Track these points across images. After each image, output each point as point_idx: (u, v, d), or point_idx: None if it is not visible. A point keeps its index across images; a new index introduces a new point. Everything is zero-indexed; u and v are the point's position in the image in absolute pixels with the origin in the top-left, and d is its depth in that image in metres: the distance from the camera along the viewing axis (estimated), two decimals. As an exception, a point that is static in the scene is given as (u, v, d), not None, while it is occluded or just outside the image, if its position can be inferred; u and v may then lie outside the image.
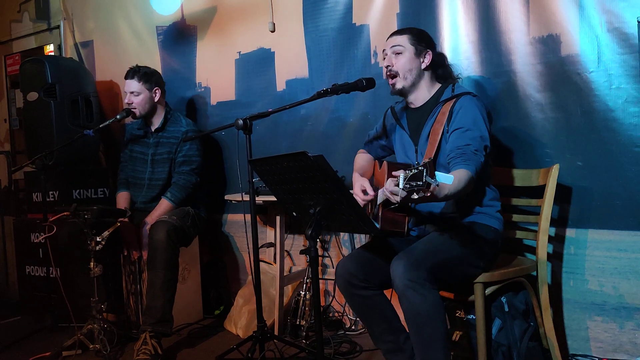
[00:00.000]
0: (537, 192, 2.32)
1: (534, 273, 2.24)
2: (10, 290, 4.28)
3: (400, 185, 1.58)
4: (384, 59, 2.25)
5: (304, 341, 2.80)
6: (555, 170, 2.23)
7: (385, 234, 2.18)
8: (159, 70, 3.66)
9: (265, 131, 3.30)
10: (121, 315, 3.18)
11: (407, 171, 1.57)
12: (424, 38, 2.23)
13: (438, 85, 2.26)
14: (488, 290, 2.10)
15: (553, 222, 2.31)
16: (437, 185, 1.50)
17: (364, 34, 2.95)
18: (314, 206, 1.77)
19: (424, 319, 1.84)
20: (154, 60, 3.72)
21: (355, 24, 2.98)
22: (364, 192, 2.18)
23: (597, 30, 2.29)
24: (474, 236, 2.07)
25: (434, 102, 2.20)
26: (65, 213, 2.77)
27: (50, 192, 3.42)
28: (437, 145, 2.09)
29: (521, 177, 2.42)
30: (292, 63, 3.20)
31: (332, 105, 3.08)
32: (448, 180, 1.56)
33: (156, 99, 3.16)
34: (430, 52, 2.21)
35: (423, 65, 2.21)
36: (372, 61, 2.93)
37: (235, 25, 3.40)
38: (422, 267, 1.85)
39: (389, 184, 1.70)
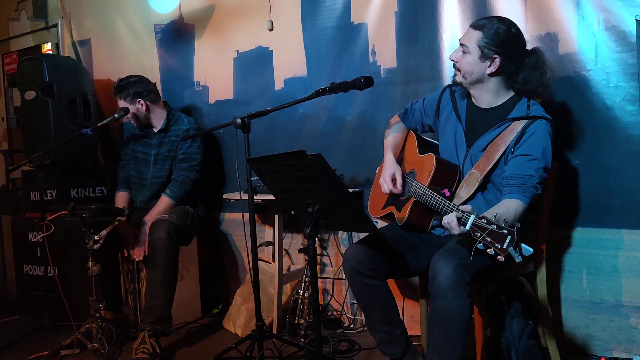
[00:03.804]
0: (535, 190, 2.32)
1: (533, 271, 2.24)
2: (8, 289, 4.27)
3: (467, 227, 1.59)
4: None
5: (302, 340, 2.79)
6: (554, 169, 2.23)
7: (408, 227, 2.17)
8: (157, 69, 3.68)
9: (263, 130, 3.30)
10: (119, 314, 3.18)
11: (481, 219, 1.57)
12: (497, 40, 1.97)
13: (509, 94, 2.07)
14: (487, 289, 2.10)
15: (551, 221, 2.31)
16: (520, 261, 1.49)
17: (362, 33, 2.95)
18: (312, 205, 1.77)
19: (455, 323, 1.82)
20: (151, 59, 3.72)
21: (353, 22, 2.98)
22: (394, 182, 2.16)
23: (595, 29, 2.29)
24: None
25: (503, 114, 2.05)
26: (63, 212, 2.76)
27: (48, 191, 3.41)
28: (494, 162, 1.99)
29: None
30: (290, 62, 3.20)
31: (330, 104, 3.08)
32: (527, 253, 1.53)
33: (143, 110, 3.15)
34: (498, 59, 1.97)
35: (488, 71, 2.01)
36: (370, 59, 2.93)
37: (233, 24, 3.40)
38: (468, 271, 1.82)
39: (454, 220, 1.69)
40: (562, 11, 2.36)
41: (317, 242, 3.15)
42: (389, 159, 2.27)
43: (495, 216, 1.59)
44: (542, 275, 2.23)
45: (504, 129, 2.01)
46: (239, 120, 2.31)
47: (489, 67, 2.00)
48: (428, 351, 1.91)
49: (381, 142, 2.61)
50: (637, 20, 2.18)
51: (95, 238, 2.66)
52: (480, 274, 1.93)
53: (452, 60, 2.09)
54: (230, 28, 3.41)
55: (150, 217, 2.99)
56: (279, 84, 3.27)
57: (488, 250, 1.53)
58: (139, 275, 3.05)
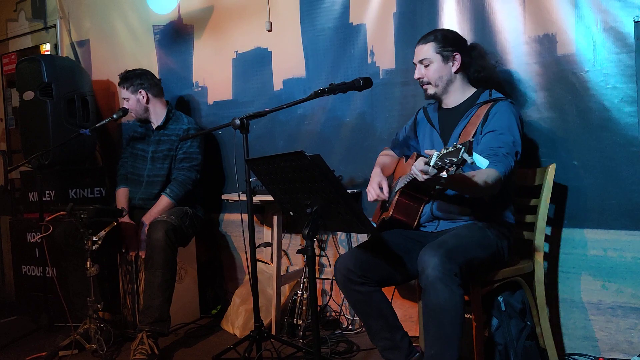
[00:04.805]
0: (533, 191, 2.33)
1: (531, 272, 2.24)
2: (7, 290, 4.27)
3: (432, 163, 1.60)
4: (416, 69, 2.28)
5: (301, 341, 2.79)
6: (551, 170, 2.24)
7: (394, 222, 2.18)
8: (156, 69, 3.67)
9: (262, 131, 3.30)
10: (117, 314, 3.18)
11: (442, 149, 1.60)
12: (448, 41, 2.22)
13: (473, 89, 2.27)
14: (485, 290, 2.10)
15: (549, 222, 2.31)
16: (472, 162, 1.51)
17: (361, 34, 2.95)
18: (311, 206, 1.77)
19: (446, 315, 1.82)
20: (150, 60, 3.72)
21: (352, 23, 2.98)
22: (381, 189, 2.21)
23: (593, 30, 2.30)
24: (495, 241, 2.08)
25: (469, 104, 2.22)
26: (61, 212, 2.76)
27: (47, 192, 3.41)
28: None
29: (517, 176, 2.42)
30: (289, 62, 3.20)
31: (329, 105, 3.08)
32: (483, 163, 1.56)
33: (144, 101, 3.16)
34: (458, 55, 2.20)
35: (454, 69, 2.22)
36: (369, 60, 2.93)
37: (232, 25, 3.40)
38: (455, 262, 1.85)
39: (419, 161, 1.70)
40: (560, 12, 2.37)
41: (316, 243, 3.16)
42: (376, 172, 2.36)
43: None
44: (540, 275, 2.23)
45: (473, 115, 2.15)
46: (237, 121, 2.31)
47: (452, 66, 2.21)
48: (425, 347, 1.91)
49: (380, 143, 2.63)
50: (635, 21, 2.18)
51: (94, 239, 2.66)
52: (472, 266, 1.95)
53: (418, 79, 2.26)
54: (229, 29, 3.41)
55: (149, 217, 2.99)
56: (277, 85, 3.27)
57: (448, 171, 1.55)
58: (138, 276, 3.05)
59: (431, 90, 2.25)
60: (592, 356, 2.37)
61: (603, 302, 2.35)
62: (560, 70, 2.39)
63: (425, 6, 2.74)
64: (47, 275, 3.14)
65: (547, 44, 2.41)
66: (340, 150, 3.06)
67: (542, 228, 2.24)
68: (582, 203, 2.38)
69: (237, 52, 3.40)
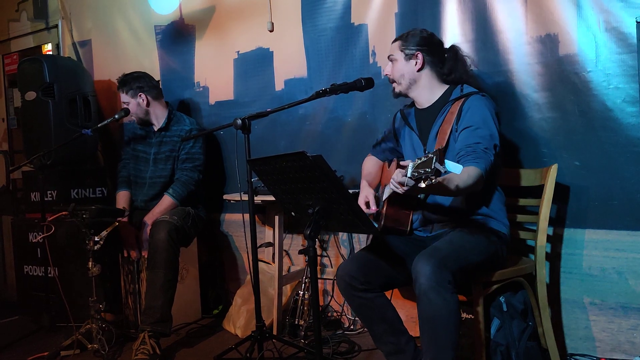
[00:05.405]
0: (535, 191, 2.33)
1: (533, 273, 2.24)
2: (9, 290, 4.28)
3: (408, 174, 1.58)
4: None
5: (302, 341, 2.79)
6: (553, 170, 2.23)
7: (387, 231, 2.18)
8: (157, 69, 3.68)
9: (263, 131, 3.30)
10: (119, 315, 3.18)
11: (416, 160, 1.58)
12: (413, 40, 2.22)
13: (445, 87, 2.24)
14: (487, 290, 2.10)
15: (551, 222, 2.31)
16: (445, 172, 1.50)
17: (363, 34, 2.95)
18: (312, 206, 1.77)
19: (441, 323, 1.82)
20: (152, 60, 3.72)
21: (353, 23, 2.98)
22: (367, 204, 2.22)
23: (595, 30, 2.30)
24: (491, 242, 2.07)
25: (442, 102, 2.21)
26: (63, 213, 2.77)
27: (49, 192, 3.41)
28: (444, 143, 2.09)
29: (518, 176, 2.43)
30: (290, 63, 3.20)
31: (330, 105, 3.08)
32: (457, 169, 1.54)
33: (144, 104, 3.16)
34: (420, 54, 2.20)
35: (416, 68, 2.21)
36: (371, 61, 2.93)
37: (233, 25, 3.40)
38: (448, 270, 1.84)
39: (397, 174, 1.69)
40: (562, 12, 2.36)
41: (317, 243, 3.15)
42: (362, 185, 2.38)
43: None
44: (541, 276, 2.23)
45: (447, 113, 2.15)
46: (239, 121, 2.31)
47: (415, 65, 2.21)
48: (423, 353, 1.91)
49: (381, 143, 2.62)
50: (637, 22, 2.18)
51: (96, 239, 2.66)
52: (468, 271, 1.95)
53: (387, 75, 2.28)
54: (231, 29, 3.41)
55: (151, 216, 2.99)
56: (279, 85, 3.27)
57: (425, 181, 1.53)
58: (139, 276, 3.05)
59: (397, 87, 2.27)
60: (594, 357, 2.37)
61: (605, 303, 2.35)
62: (562, 71, 2.39)
63: (426, 6, 2.74)
64: (49, 275, 3.14)
65: (549, 44, 2.41)
66: (342, 151, 3.06)
67: (544, 228, 2.23)
68: (584, 203, 2.38)
69: (238, 52, 3.40)
